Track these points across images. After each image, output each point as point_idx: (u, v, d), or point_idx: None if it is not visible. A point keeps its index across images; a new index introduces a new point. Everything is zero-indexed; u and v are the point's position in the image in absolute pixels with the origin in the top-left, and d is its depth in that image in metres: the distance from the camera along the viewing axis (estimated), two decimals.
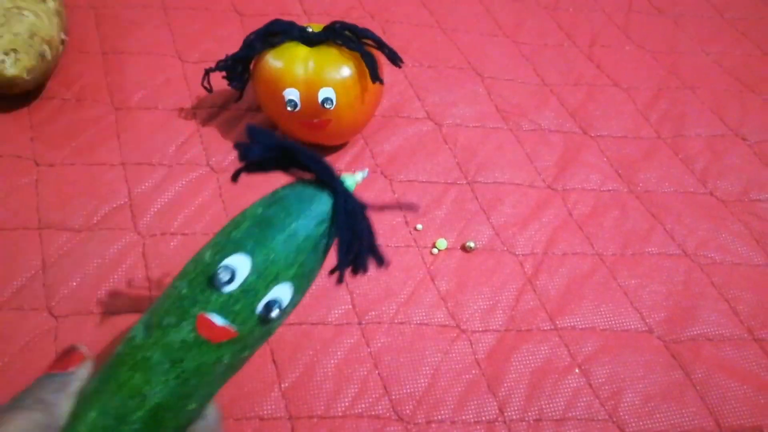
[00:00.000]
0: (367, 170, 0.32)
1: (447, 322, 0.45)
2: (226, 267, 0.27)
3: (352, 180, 0.29)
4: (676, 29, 0.75)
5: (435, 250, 0.49)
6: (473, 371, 0.43)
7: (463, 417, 0.40)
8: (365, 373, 0.42)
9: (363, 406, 0.40)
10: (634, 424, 0.41)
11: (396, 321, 0.44)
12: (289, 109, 0.48)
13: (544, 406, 0.41)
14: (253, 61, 0.51)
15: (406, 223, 0.50)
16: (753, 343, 0.46)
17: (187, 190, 0.50)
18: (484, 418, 0.41)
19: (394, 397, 0.41)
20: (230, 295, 0.27)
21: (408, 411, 0.40)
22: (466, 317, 0.45)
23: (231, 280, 0.27)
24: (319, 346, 0.43)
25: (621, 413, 0.41)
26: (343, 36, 0.48)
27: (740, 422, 0.42)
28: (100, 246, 0.46)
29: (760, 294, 0.49)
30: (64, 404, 0.27)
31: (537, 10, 0.75)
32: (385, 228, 0.50)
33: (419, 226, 0.50)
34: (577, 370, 0.43)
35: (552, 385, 0.42)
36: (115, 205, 0.49)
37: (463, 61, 0.65)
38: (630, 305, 0.47)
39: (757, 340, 0.46)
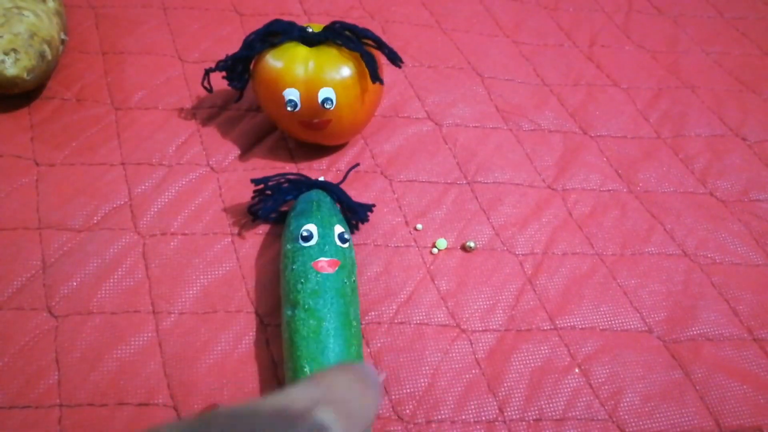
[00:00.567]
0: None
1: (447, 322, 0.45)
2: (307, 230, 0.42)
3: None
4: (676, 29, 0.75)
5: (435, 250, 0.49)
6: (473, 371, 0.43)
7: (463, 417, 0.40)
8: None
9: None
10: (633, 424, 0.41)
11: (396, 321, 0.44)
12: (289, 109, 0.48)
13: (544, 406, 0.41)
14: (253, 61, 0.51)
15: (406, 222, 0.50)
16: (753, 343, 0.46)
17: (187, 190, 0.50)
18: (484, 418, 0.41)
19: (394, 396, 0.41)
20: (317, 244, 0.42)
21: (408, 411, 0.40)
22: (466, 317, 0.45)
23: (312, 237, 0.42)
24: None
25: (621, 413, 0.41)
26: (343, 36, 0.48)
27: (740, 422, 0.42)
28: (100, 246, 0.46)
29: (760, 294, 0.49)
30: None
31: (537, 10, 0.75)
32: (385, 228, 0.50)
33: (419, 226, 0.50)
34: (577, 370, 0.43)
35: (552, 384, 0.42)
36: (115, 205, 0.49)
37: (463, 61, 0.65)
38: (630, 305, 0.47)
39: (757, 340, 0.46)
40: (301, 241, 0.42)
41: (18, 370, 0.40)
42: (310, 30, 0.49)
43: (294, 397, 0.22)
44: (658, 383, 0.43)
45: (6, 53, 0.50)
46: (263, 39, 0.49)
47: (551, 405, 0.41)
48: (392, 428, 0.40)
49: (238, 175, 0.52)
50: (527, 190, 0.54)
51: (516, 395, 0.42)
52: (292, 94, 0.48)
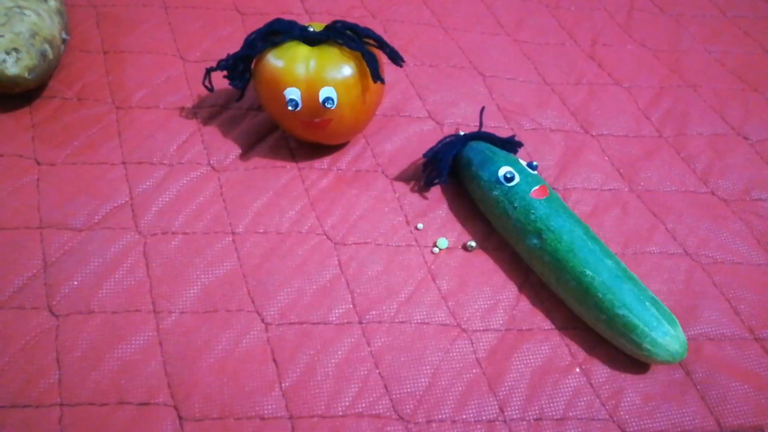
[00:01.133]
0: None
1: (448, 322, 0.45)
2: (508, 172, 0.47)
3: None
4: (677, 28, 0.75)
5: (436, 250, 0.49)
6: (474, 370, 0.43)
7: (464, 416, 0.40)
8: (366, 372, 0.42)
9: (363, 405, 0.40)
10: (634, 424, 0.41)
11: (397, 320, 0.44)
12: (290, 108, 0.48)
13: (544, 406, 0.41)
14: (254, 61, 0.51)
15: (407, 222, 0.50)
16: (754, 342, 0.46)
17: (188, 189, 0.50)
18: (484, 418, 0.41)
19: (394, 396, 0.41)
20: (521, 180, 0.47)
21: (408, 410, 0.40)
22: (467, 316, 0.45)
23: (514, 177, 0.47)
24: (320, 346, 0.43)
25: (621, 413, 0.41)
26: (344, 35, 0.48)
27: (741, 422, 0.42)
28: (101, 245, 0.46)
29: (762, 293, 0.49)
30: None
31: (538, 8, 0.75)
32: (385, 227, 0.50)
33: (420, 226, 0.50)
34: (577, 370, 0.43)
35: (552, 384, 0.42)
36: (116, 205, 0.49)
37: (464, 60, 0.65)
38: None
39: (758, 340, 0.46)
40: (505, 183, 0.47)
41: (19, 369, 0.40)
42: (312, 29, 0.49)
43: None
44: (658, 383, 0.43)
45: (7, 52, 0.50)
46: (264, 38, 0.49)
47: (552, 404, 0.41)
48: (392, 428, 0.40)
49: (239, 174, 0.52)
50: None
51: (516, 395, 0.42)
52: (293, 93, 0.48)
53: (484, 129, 0.58)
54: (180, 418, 0.38)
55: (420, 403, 0.41)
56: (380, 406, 0.40)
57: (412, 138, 0.57)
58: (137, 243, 0.47)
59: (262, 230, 0.48)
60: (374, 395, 0.41)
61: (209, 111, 0.57)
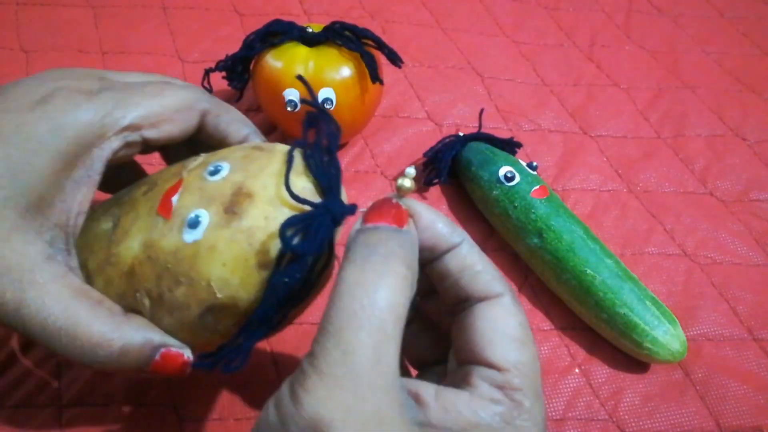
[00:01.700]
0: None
1: None
2: (509, 171, 0.47)
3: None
4: (676, 29, 0.75)
5: None
6: None
7: None
8: None
9: None
10: (634, 424, 0.41)
11: None
12: (289, 109, 0.48)
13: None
14: (253, 61, 0.51)
15: None
16: (753, 343, 0.46)
17: None
18: None
19: None
20: (521, 179, 0.47)
21: None
22: None
23: (514, 176, 0.47)
24: None
25: (621, 413, 0.41)
26: (342, 36, 0.48)
27: (740, 422, 0.42)
28: None
29: (761, 294, 0.49)
30: None
31: (537, 9, 0.75)
32: None
33: None
34: (576, 370, 0.43)
35: (552, 384, 0.42)
36: None
37: (463, 61, 0.65)
38: None
39: (757, 340, 0.46)
40: (506, 182, 0.47)
41: (18, 368, 0.40)
42: (310, 30, 0.49)
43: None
44: (658, 383, 0.43)
45: None
46: (263, 39, 0.49)
47: (551, 405, 0.41)
48: None
49: None
50: None
51: None
52: (292, 94, 0.48)
53: (483, 130, 0.58)
54: (180, 418, 0.38)
55: None
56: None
57: (411, 139, 0.57)
58: None
59: None
60: None
61: None
